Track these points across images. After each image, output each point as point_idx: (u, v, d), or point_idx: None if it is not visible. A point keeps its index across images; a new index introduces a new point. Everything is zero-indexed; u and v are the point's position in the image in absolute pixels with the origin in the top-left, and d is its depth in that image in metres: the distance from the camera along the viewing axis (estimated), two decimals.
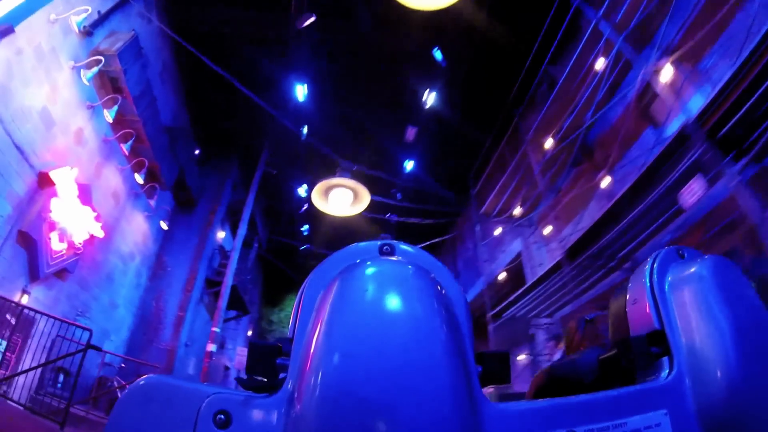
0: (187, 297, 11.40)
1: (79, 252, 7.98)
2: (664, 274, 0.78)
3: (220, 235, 13.27)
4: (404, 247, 0.71)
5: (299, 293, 0.69)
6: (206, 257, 12.34)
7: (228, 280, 10.14)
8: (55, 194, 7.43)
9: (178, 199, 12.38)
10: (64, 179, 7.47)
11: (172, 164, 10.74)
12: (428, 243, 13.89)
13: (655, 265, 0.79)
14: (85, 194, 8.04)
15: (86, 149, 8.15)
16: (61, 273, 7.73)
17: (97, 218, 8.35)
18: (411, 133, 11.89)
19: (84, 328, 6.58)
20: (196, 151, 12.41)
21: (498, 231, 10.63)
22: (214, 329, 9.37)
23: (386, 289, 0.60)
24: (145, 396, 0.58)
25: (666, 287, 0.76)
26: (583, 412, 0.62)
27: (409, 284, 0.61)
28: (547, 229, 8.52)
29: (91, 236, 8.40)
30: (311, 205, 6.12)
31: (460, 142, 12.81)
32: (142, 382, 0.58)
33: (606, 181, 7.08)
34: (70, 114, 7.56)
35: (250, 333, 19.49)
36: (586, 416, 0.61)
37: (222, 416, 0.57)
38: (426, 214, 14.03)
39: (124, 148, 8.70)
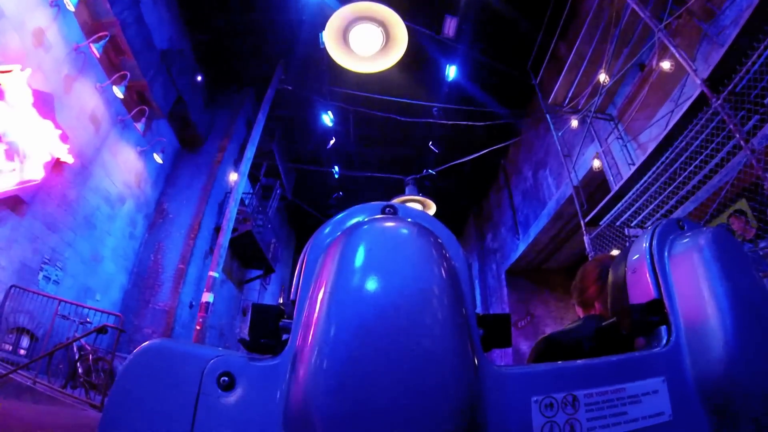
0: (189, 247, 10.14)
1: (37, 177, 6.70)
2: (664, 244, 0.84)
3: (233, 177, 11.91)
4: (407, 208, 0.75)
5: (302, 255, 0.73)
6: (215, 201, 11.13)
7: (231, 213, 8.67)
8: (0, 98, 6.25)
9: (182, 138, 11.42)
10: (13, 80, 6.73)
11: (168, 88, 10.21)
12: (481, 153, 12.23)
13: (655, 236, 0.85)
14: (46, 105, 7.00)
15: (50, 56, 7.31)
16: (15, 204, 6.67)
17: (64, 138, 7.09)
18: (451, 25, 9.91)
19: None
20: (198, 78, 11.00)
21: (574, 123, 9.44)
22: (212, 273, 7.96)
23: (388, 248, 0.63)
24: (149, 361, 0.61)
25: (665, 257, 0.82)
26: (583, 377, 0.67)
27: (412, 244, 0.65)
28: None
29: (57, 161, 7.24)
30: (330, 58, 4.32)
31: (512, 28, 11.42)
32: (146, 346, 0.62)
33: None
34: (25, 8, 6.88)
35: (281, 300, 18.38)
36: (585, 380, 0.67)
37: (226, 378, 0.60)
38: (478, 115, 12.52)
39: (95, 48, 7.30)
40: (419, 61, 11.87)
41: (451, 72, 11.60)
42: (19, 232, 7.00)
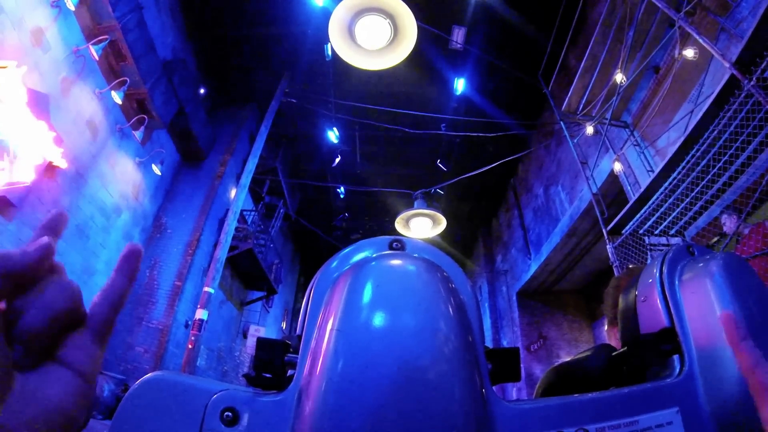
0: (187, 263, 9.79)
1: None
2: (674, 271, 0.82)
3: (234, 193, 11.70)
4: (414, 242, 0.75)
5: (308, 290, 0.73)
6: (215, 217, 10.90)
7: (229, 226, 8.38)
8: None
9: (183, 151, 11.35)
10: (7, 77, 6.40)
11: (169, 97, 10.03)
12: (492, 167, 11.70)
13: (665, 262, 0.83)
14: (41, 106, 6.90)
15: (48, 56, 7.51)
16: (3, 207, 6.35)
17: (58, 141, 6.87)
18: (459, 35, 9.81)
19: None
20: (201, 90, 10.86)
21: (590, 130, 9.07)
22: (207, 289, 7.63)
23: (396, 284, 0.63)
24: (151, 393, 0.60)
25: (676, 284, 0.80)
26: (594, 410, 0.66)
27: (421, 280, 0.65)
28: None
29: (50, 165, 6.98)
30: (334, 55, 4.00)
31: (521, 38, 11.29)
32: (148, 378, 0.61)
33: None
34: (25, 5, 6.78)
35: (284, 325, 18.08)
36: (597, 414, 0.65)
37: (229, 413, 0.59)
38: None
39: (94, 50, 7.13)
40: (427, 74, 11.76)
41: (460, 85, 11.55)
42: (5, 237, 6.70)
